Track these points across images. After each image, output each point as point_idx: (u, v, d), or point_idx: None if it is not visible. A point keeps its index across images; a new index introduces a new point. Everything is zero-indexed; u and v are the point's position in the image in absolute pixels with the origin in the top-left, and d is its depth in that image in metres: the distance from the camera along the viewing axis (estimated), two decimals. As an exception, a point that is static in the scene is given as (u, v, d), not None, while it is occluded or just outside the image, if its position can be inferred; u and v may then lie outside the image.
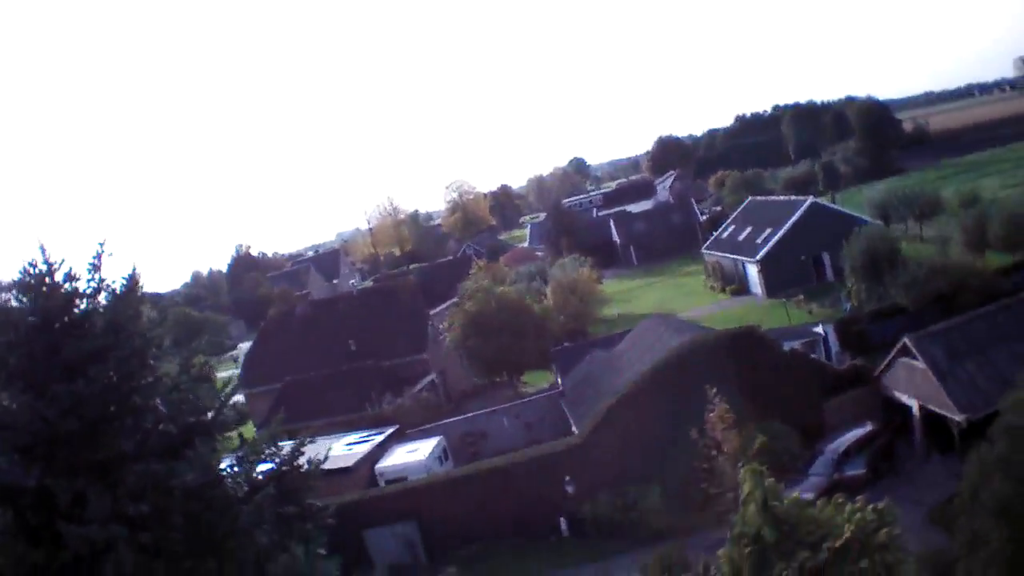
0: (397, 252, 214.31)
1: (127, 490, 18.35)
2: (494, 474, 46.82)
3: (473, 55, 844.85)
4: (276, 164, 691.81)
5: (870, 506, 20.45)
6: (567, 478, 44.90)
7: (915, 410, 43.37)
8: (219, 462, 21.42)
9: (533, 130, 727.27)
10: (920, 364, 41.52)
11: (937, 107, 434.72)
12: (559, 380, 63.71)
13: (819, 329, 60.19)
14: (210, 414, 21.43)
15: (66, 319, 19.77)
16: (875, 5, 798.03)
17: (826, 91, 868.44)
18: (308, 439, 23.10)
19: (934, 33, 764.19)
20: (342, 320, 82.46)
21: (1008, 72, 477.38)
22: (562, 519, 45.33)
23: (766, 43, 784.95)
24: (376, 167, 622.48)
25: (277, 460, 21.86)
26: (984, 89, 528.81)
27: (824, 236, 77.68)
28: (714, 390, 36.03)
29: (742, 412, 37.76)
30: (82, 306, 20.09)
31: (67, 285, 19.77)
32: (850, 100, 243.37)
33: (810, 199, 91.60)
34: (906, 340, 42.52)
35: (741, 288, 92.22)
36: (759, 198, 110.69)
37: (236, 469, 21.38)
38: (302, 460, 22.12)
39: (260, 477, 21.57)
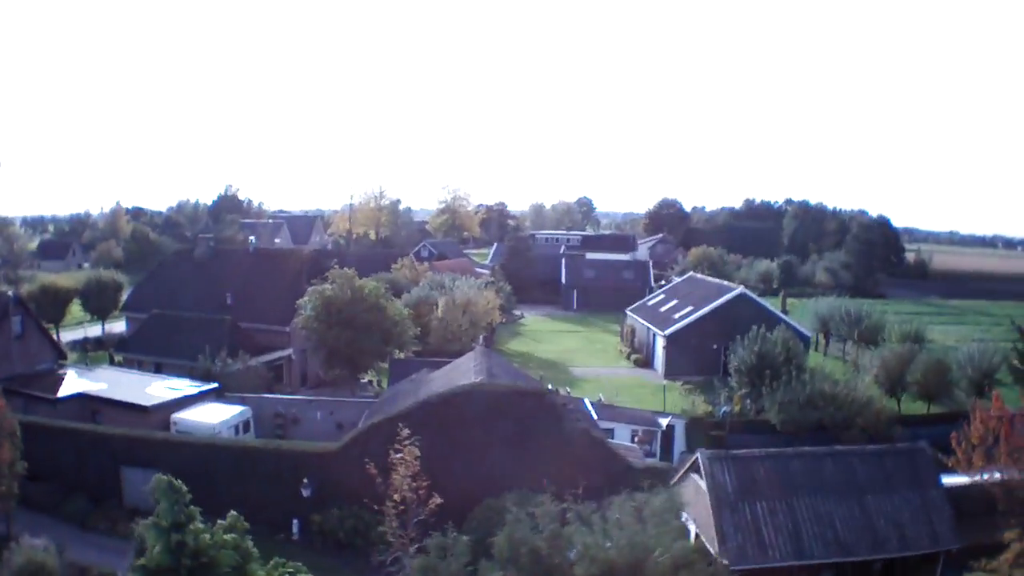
0: (372, 235, 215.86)
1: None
2: (247, 454, 46.17)
3: (514, 83, 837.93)
4: (308, 125, 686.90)
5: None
6: (304, 480, 43.32)
7: (691, 535, 36.97)
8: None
9: (553, 163, 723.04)
10: (703, 487, 35.18)
11: (953, 248, 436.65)
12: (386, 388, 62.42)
13: (667, 421, 56.29)
14: None
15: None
16: (930, 139, 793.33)
17: (847, 200, 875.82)
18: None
19: (979, 178, 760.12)
20: (231, 273, 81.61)
21: None
22: (296, 521, 43.89)
23: (807, 141, 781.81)
24: (395, 155, 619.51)
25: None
26: (1008, 243, 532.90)
27: (742, 328, 72.22)
28: (406, 431, 32.82)
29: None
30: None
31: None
32: (860, 214, 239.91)
33: (740, 288, 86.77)
34: (699, 455, 36.18)
35: (645, 360, 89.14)
36: (698, 276, 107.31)
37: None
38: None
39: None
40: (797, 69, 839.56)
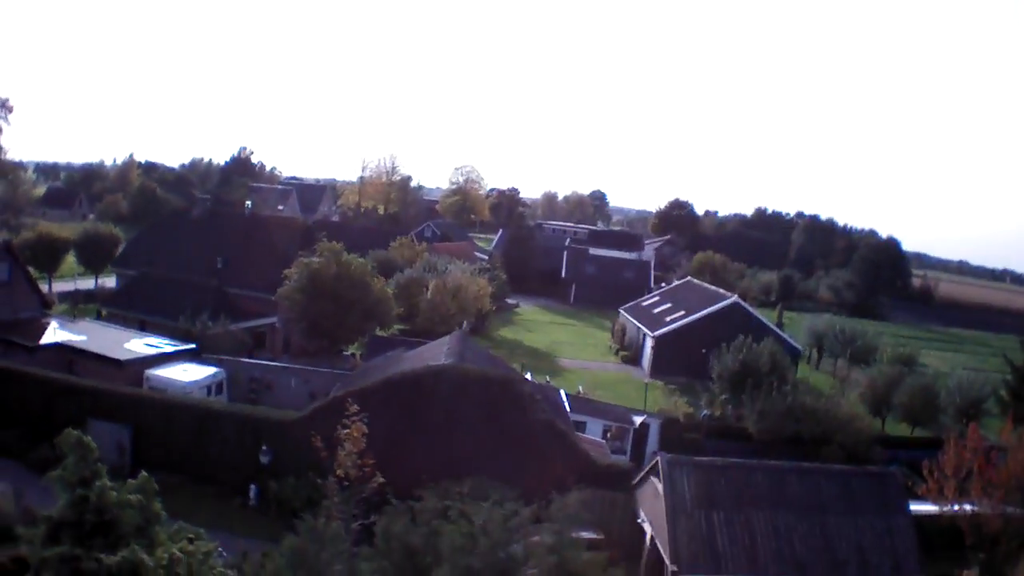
0: (381, 210, 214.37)
1: None
2: (211, 416, 45.88)
3: (537, 71, 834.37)
4: (329, 94, 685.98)
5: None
6: (264, 447, 43.12)
7: (647, 538, 36.56)
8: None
9: (570, 153, 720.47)
10: (661, 491, 34.71)
11: (962, 278, 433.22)
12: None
13: (641, 419, 55.98)
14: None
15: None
16: (948, 165, 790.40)
17: (859, 218, 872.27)
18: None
19: (994, 210, 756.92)
20: (226, 237, 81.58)
21: None
22: (253, 487, 43.49)
23: (827, 155, 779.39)
24: (412, 131, 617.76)
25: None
26: (1018, 279, 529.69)
27: (733, 336, 71.85)
28: (355, 408, 32.06)
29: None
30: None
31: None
32: (871, 234, 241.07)
33: (734, 297, 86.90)
34: (659, 458, 35.72)
35: (634, 357, 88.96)
36: (695, 281, 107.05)
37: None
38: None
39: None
40: (828, 83, 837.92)
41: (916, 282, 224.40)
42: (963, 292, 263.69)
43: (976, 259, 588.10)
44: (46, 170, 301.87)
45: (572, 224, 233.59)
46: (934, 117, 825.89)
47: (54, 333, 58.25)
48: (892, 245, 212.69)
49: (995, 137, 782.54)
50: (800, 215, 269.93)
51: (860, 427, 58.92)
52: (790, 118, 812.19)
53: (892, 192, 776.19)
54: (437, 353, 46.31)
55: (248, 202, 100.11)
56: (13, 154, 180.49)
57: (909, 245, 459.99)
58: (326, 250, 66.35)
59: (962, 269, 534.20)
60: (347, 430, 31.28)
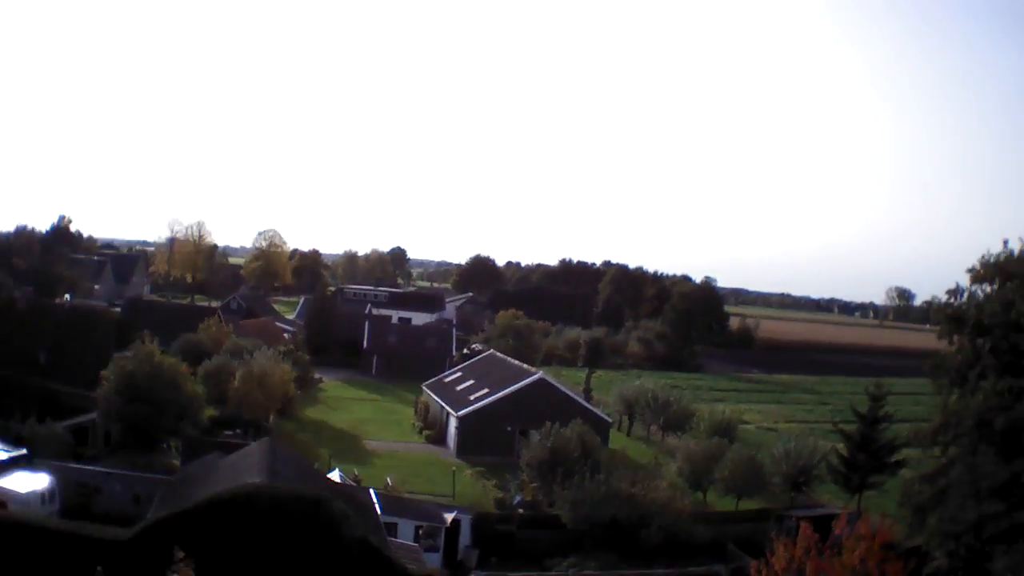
0: (189, 278, 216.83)
1: None
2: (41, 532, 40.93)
3: (333, 125, 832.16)
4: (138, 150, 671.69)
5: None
6: (99, 568, 38.65)
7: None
8: None
9: (369, 209, 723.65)
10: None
11: (785, 312, 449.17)
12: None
13: (452, 516, 55.31)
14: None
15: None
16: (761, 201, 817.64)
17: (672, 262, 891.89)
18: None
19: (817, 241, 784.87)
20: (47, 330, 79.88)
21: (878, 298, 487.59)
22: None
23: (636, 200, 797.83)
24: (215, 188, 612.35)
25: None
26: (845, 308, 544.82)
27: (540, 412, 73.61)
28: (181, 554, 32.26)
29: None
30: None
31: None
32: (683, 279, 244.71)
33: (539, 373, 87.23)
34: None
35: (439, 436, 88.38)
36: (498, 355, 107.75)
37: None
38: None
39: None
40: (626, 126, 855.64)
41: (734, 323, 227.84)
42: (787, 330, 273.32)
43: (799, 290, 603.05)
44: None
45: (372, 287, 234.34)
46: (749, 157, 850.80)
47: None
48: (707, 288, 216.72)
49: (805, 172, 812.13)
50: (608, 264, 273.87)
51: (680, 508, 58.40)
52: (593, 165, 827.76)
53: (706, 231, 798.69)
54: (249, 465, 45.87)
55: (68, 295, 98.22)
56: None
57: (727, 281, 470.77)
58: (140, 351, 66.87)
59: (784, 302, 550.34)
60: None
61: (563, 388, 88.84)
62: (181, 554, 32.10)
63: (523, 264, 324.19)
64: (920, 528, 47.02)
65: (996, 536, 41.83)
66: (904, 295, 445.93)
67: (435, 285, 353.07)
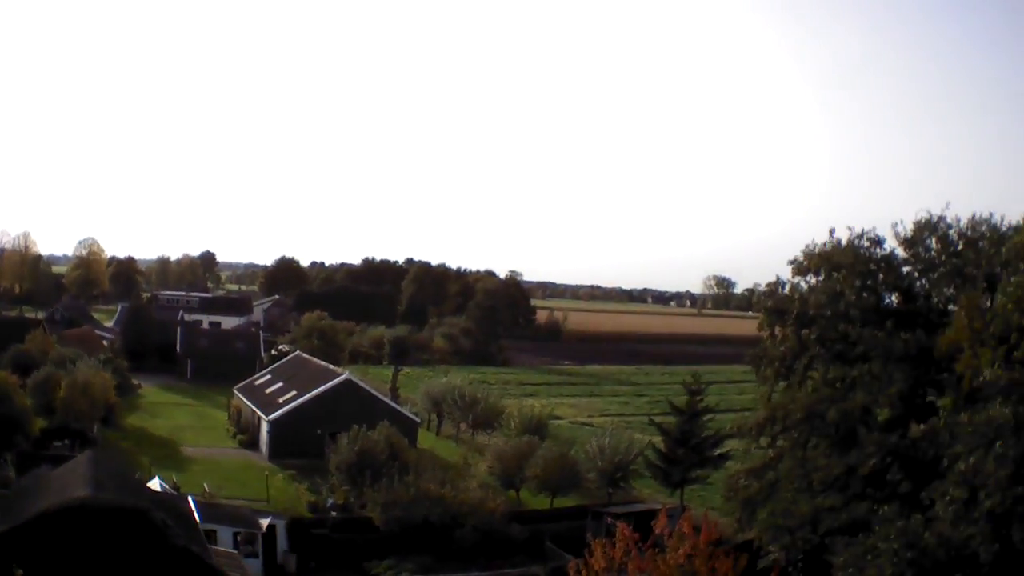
0: (17, 288, 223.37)
1: None
2: None
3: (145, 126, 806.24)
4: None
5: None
6: None
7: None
8: None
9: (179, 211, 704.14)
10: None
11: (593, 304, 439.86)
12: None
13: (267, 522, 56.06)
14: None
15: None
16: (571, 193, 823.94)
17: (478, 259, 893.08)
18: None
19: (625, 228, 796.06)
20: None
21: (695, 287, 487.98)
22: None
23: (442, 197, 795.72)
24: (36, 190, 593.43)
25: None
26: (660, 298, 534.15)
27: (347, 412, 76.74)
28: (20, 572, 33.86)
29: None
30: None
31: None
32: (487, 274, 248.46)
33: (345, 374, 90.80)
34: None
35: (252, 440, 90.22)
36: (304, 355, 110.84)
37: None
38: None
39: None
40: (424, 120, 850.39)
41: (542, 318, 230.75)
42: (597, 322, 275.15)
43: (609, 282, 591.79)
44: None
45: (185, 293, 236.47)
46: (563, 150, 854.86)
47: None
48: (511, 283, 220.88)
49: (622, 165, 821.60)
50: (411, 261, 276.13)
51: (492, 507, 58.76)
52: (397, 161, 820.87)
53: (511, 225, 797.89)
54: (76, 478, 47.51)
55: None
56: None
57: (534, 275, 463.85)
58: None
59: (594, 294, 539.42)
60: None
61: (369, 388, 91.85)
62: (20, 572, 33.54)
63: (327, 264, 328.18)
64: (750, 523, 47.18)
65: (835, 529, 42.10)
66: (723, 283, 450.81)
67: (243, 288, 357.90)
